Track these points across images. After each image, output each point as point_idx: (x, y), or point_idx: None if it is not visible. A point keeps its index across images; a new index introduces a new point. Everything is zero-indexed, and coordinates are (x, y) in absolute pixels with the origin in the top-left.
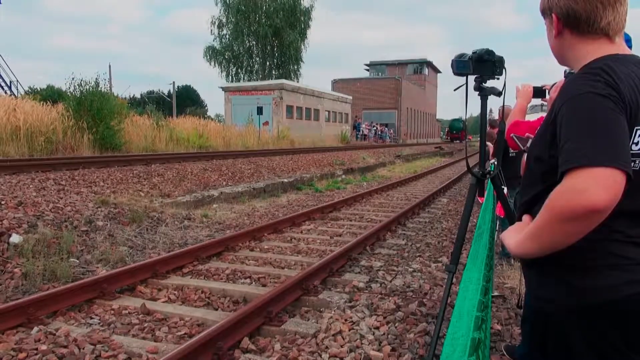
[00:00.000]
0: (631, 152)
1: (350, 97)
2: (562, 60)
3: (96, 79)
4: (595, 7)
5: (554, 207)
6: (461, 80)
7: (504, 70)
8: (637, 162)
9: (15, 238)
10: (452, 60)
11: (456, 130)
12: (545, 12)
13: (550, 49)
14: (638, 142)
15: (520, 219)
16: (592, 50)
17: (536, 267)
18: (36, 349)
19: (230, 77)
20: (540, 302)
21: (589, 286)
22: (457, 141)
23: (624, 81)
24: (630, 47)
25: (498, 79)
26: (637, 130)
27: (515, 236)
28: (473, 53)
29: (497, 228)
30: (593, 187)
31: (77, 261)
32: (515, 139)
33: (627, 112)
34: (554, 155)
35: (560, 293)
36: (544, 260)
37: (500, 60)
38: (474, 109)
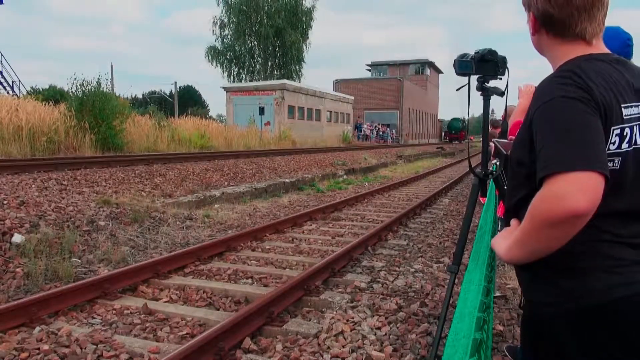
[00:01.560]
0: (609, 151)
1: (352, 98)
2: (540, 52)
3: (98, 79)
4: (571, 13)
5: (535, 215)
6: (463, 80)
7: (506, 70)
8: (616, 161)
9: (17, 238)
10: (455, 60)
11: (455, 130)
12: (525, 6)
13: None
14: (615, 142)
15: (508, 224)
16: (568, 51)
17: (529, 270)
18: (38, 349)
19: (232, 77)
20: (532, 305)
21: (580, 289)
22: (456, 142)
23: (596, 82)
24: (631, 44)
25: (501, 79)
26: (613, 130)
27: (504, 242)
28: (475, 53)
29: (498, 229)
30: (572, 193)
31: (79, 261)
32: (497, 144)
33: (601, 113)
34: (535, 160)
35: (552, 296)
36: (536, 263)
37: (503, 60)
38: (476, 109)
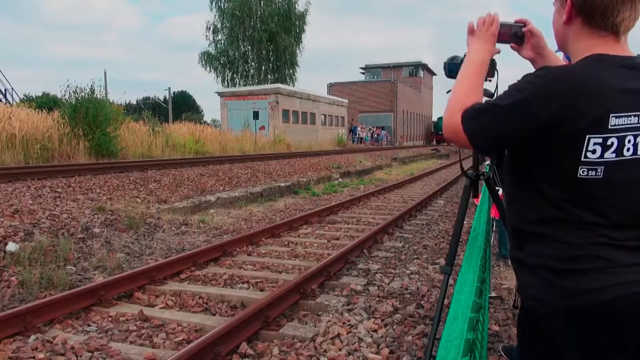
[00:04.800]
0: (587, 159)
1: (346, 101)
2: (562, 46)
3: (91, 85)
4: (615, 1)
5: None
6: (453, 82)
7: (495, 72)
8: (599, 170)
9: (11, 246)
10: (444, 63)
11: (442, 130)
12: None
13: (553, 32)
14: (595, 150)
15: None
16: (592, 46)
17: (526, 267)
18: (33, 358)
19: (225, 82)
20: (529, 301)
21: (576, 288)
22: (444, 143)
23: (582, 87)
24: None
25: (490, 80)
26: (590, 138)
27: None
28: (464, 55)
29: (492, 229)
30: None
31: (74, 268)
32: None
33: (564, 116)
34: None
35: (548, 293)
36: (534, 261)
37: (492, 63)
38: None
